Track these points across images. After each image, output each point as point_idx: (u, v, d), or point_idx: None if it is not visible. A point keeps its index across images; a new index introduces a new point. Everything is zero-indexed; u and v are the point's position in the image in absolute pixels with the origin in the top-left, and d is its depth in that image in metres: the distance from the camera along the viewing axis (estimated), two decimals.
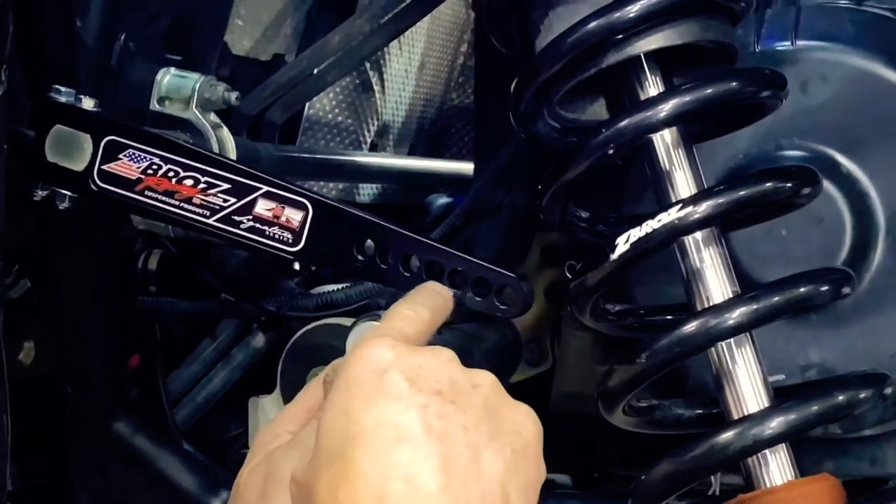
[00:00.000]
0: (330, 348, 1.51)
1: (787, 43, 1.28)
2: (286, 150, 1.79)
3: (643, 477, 1.06)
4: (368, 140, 2.09)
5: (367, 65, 2.03)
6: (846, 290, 1.06)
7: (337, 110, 2.01)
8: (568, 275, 1.59)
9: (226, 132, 1.47)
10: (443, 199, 2.16)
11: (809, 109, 1.24)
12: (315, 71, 1.64)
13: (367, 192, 2.07)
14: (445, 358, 0.95)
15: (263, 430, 1.08)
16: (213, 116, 1.47)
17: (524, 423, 0.94)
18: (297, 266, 1.74)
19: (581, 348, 1.70)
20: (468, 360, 1.54)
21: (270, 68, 1.90)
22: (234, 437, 1.70)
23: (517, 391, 1.78)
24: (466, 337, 1.58)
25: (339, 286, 1.63)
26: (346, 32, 1.60)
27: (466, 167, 2.17)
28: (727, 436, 1.01)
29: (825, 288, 1.05)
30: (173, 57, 1.50)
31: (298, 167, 1.75)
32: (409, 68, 2.16)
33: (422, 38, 2.18)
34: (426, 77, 2.23)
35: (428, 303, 1.07)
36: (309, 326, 1.53)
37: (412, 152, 2.27)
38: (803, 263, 1.22)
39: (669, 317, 1.19)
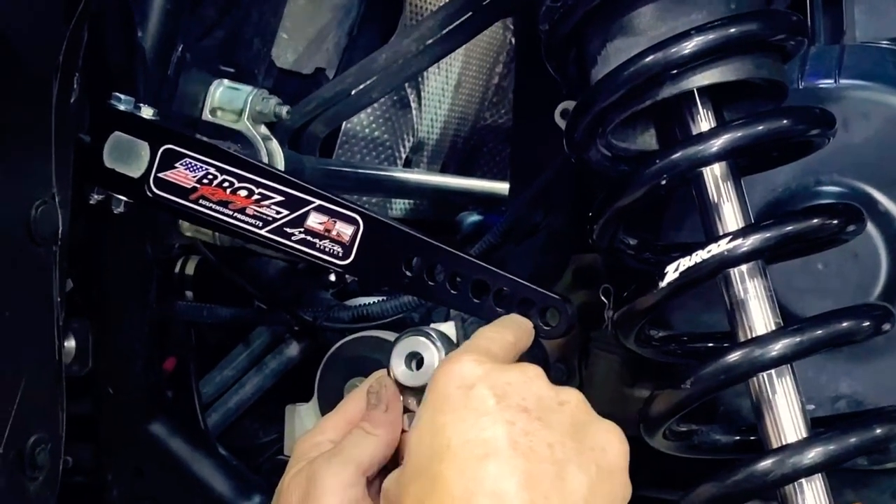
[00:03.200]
0: (369, 360, 1.54)
1: (831, 81, 1.31)
2: (328, 164, 1.83)
3: (684, 499, 1.08)
4: (403, 156, 2.12)
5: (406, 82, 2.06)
6: (887, 326, 1.08)
7: (374, 125, 2.05)
8: (602, 298, 1.61)
9: (275, 144, 1.51)
10: (474, 217, 2.19)
11: (850, 147, 1.26)
12: (360, 88, 1.67)
13: (399, 206, 2.10)
14: (532, 374, 0.97)
15: (303, 437, 1.10)
16: (263, 129, 1.51)
17: (610, 440, 0.96)
18: (332, 277, 1.77)
19: (609, 370, 1.73)
20: None
21: (311, 82, 1.94)
22: (265, 443, 1.72)
23: None
24: None
25: (374, 299, 1.66)
26: (393, 52, 1.64)
27: (498, 186, 2.21)
28: (767, 463, 1.04)
29: (867, 324, 1.07)
30: (226, 69, 1.54)
31: (340, 181, 1.79)
32: (445, 87, 2.19)
33: (459, 57, 2.21)
34: (462, 96, 2.27)
35: (512, 327, 1.10)
36: (349, 337, 1.56)
37: (444, 169, 2.31)
38: (838, 297, 1.25)
39: (711, 344, 1.22)
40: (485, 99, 2.36)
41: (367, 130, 2.03)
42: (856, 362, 1.28)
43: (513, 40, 2.28)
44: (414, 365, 1.08)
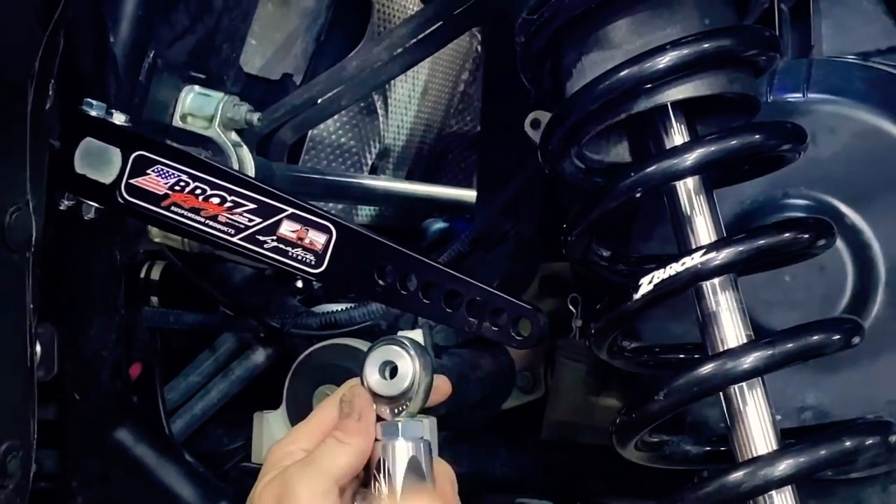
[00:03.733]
0: (338, 368, 1.54)
1: (799, 95, 1.33)
2: (297, 171, 1.83)
3: None
4: (370, 162, 2.13)
5: None
6: (856, 339, 1.10)
7: (341, 132, 2.05)
8: (570, 307, 1.63)
9: (246, 151, 1.50)
10: (439, 224, 2.20)
11: (817, 161, 1.28)
12: (329, 95, 1.67)
13: (365, 213, 2.11)
14: None
15: (276, 446, 1.10)
16: (233, 135, 1.51)
17: None
18: (299, 284, 1.77)
19: (575, 379, 1.74)
20: (465, 385, 1.59)
21: (278, 87, 1.94)
22: (231, 450, 1.72)
23: (509, 418, 1.84)
24: (464, 364, 1.62)
25: (341, 306, 1.66)
26: (363, 59, 1.64)
27: (464, 193, 2.21)
28: (738, 475, 1.05)
29: (837, 337, 1.09)
30: (197, 75, 1.53)
31: (309, 187, 1.79)
32: (412, 94, 2.20)
33: (426, 65, 2.22)
34: (428, 103, 2.27)
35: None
36: (319, 345, 1.56)
37: (410, 175, 2.31)
38: (805, 309, 1.27)
39: (682, 355, 1.23)
40: (451, 106, 2.37)
41: (333, 137, 2.03)
42: (822, 374, 1.30)
43: (479, 48, 2.29)
44: (388, 373, 1.08)
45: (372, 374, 1.08)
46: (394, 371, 1.08)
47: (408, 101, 2.20)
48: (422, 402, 1.07)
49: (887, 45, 1.42)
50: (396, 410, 1.07)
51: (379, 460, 1.05)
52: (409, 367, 1.07)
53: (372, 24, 2.01)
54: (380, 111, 2.11)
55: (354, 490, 1.07)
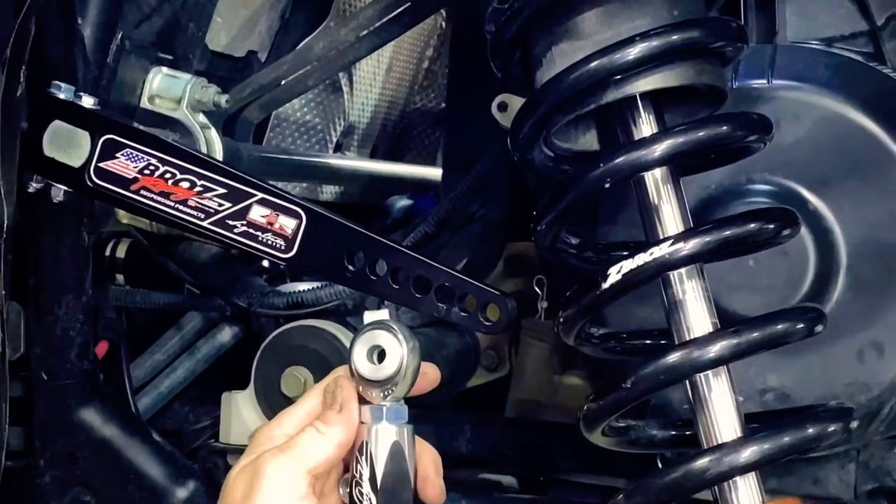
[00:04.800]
0: (307, 350, 1.55)
1: (764, 81, 1.34)
2: (264, 151, 1.83)
3: (621, 497, 1.11)
4: (335, 139, 2.13)
5: None
6: (819, 328, 1.12)
7: (306, 109, 2.05)
8: (536, 289, 1.65)
9: (213, 133, 1.51)
10: (403, 201, 2.21)
11: (781, 147, 1.29)
12: (296, 75, 1.68)
13: (329, 191, 2.11)
14: None
15: (261, 429, 1.11)
16: (201, 117, 1.51)
17: None
18: (265, 263, 1.78)
19: (539, 358, 1.76)
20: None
21: (242, 64, 1.94)
22: (199, 429, 1.72)
23: (474, 396, 1.85)
24: (430, 342, 1.64)
25: (308, 286, 1.67)
26: (330, 40, 1.65)
27: (428, 171, 2.22)
28: (704, 461, 1.06)
29: (801, 326, 1.10)
30: (164, 56, 1.53)
31: (276, 168, 1.79)
32: (377, 71, 2.20)
33: (391, 42, 2.21)
34: (393, 80, 2.28)
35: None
36: (287, 326, 1.57)
37: (374, 152, 2.32)
38: (768, 293, 1.29)
39: (648, 341, 1.24)
40: (415, 83, 2.37)
41: (298, 114, 2.04)
42: (783, 357, 1.31)
43: (444, 24, 2.29)
44: (375, 357, 1.08)
45: (360, 358, 1.08)
46: (381, 355, 1.08)
47: (373, 79, 2.20)
48: (408, 386, 1.08)
49: (850, 30, 1.44)
50: (383, 394, 1.07)
51: (363, 443, 1.07)
52: (397, 351, 1.07)
53: (337, 1, 2.01)
54: (345, 88, 2.11)
55: (340, 474, 1.09)
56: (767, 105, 1.30)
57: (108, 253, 1.80)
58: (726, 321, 1.14)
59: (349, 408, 1.07)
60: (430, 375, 1.13)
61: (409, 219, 2.14)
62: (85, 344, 1.55)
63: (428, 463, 1.10)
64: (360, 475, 1.05)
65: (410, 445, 1.08)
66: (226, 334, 1.79)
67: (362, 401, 1.08)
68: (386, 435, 1.06)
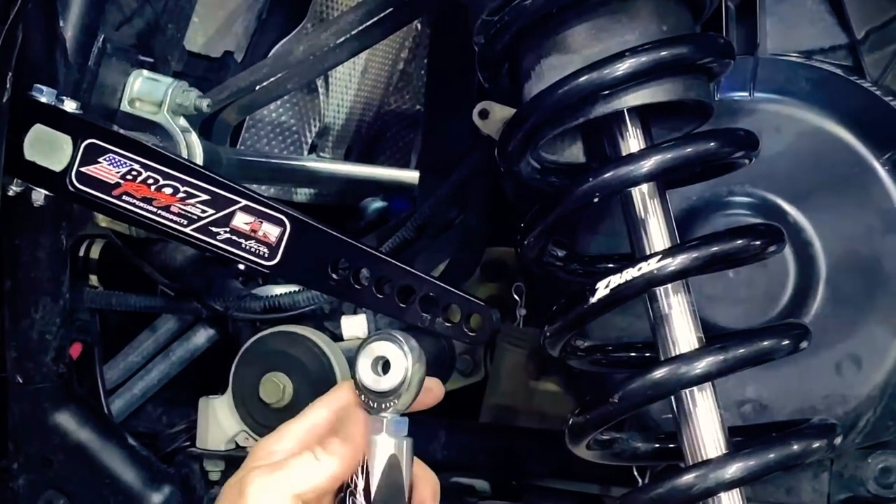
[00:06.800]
0: (286, 355, 1.54)
1: (746, 94, 1.35)
2: (243, 155, 1.82)
3: None
4: (310, 141, 2.12)
5: None
6: (804, 344, 1.13)
7: (281, 110, 2.04)
8: (515, 296, 1.65)
9: (194, 137, 1.50)
10: (377, 203, 2.20)
11: (762, 159, 1.29)
12: (275, 78, 1.67)
13: (304, 193, 2.10)
14: None
15: (263, 441, 1.08)
16: (182, 121, 1.50)
17: None
18: (242, 266, 1.76)
19: (515, 364, 1.76)
20: None
21: (219, 65, 1.93)
22: (174, 433, 1.72)
23: (449, 400, 1.85)
24: None
25: (284, 289, 1.66)
26: (310, 44, 1.63)
27: (403, 174, 2.22)
28: (689, 478, 1.07)
29: (787, 342, 1.12)
30: (145, 59, 1.52)
31: (254, 171, 1.78)
32: (352, 72, 2.20)
33: None
34: (368, 82, 2.27)
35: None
36: (266, 332, 1.56)
37: (348, 154, 2.31)
38: (748, 305, 1.30)
39: (634, 353, 1.25)
40: (390, 84, 2.37)
41: (273, 115, 2.03)
42: (762, 368, 1.30)
43: (419, 25, 2.29)
44: (380, 368, 1.07)
45: (364, 368, 1.07)
46: (386, 366, 1.07)
47: (348, 80, 2.20)
48: (411, 399, 1.07)
49: (830, 43, 1.45)
50: (385, 406, 1.06)
51: None
52: (401, 363, 1.06)
53: (314, 2, 2.00)
54: (320, 90, 2.10)
55: (334, 498, 1.06)
56: (750, 118, 1.31)
57: (81, 253, 1.78)
58: (707, 333, 1.15)
59: (354, 443, 1.04)
60: (435, 392, 1.12)
61: (384, 221, 2.14)
62: (61, 347, 1.54)
63: (426, 488, 1.09)
64: (355, 485, 1.04)
65: (408, 460, 1.07)
66: (200, 337, 1.79)
67: (369, 411, 1.07)
68: (384, 447, 1.05)
